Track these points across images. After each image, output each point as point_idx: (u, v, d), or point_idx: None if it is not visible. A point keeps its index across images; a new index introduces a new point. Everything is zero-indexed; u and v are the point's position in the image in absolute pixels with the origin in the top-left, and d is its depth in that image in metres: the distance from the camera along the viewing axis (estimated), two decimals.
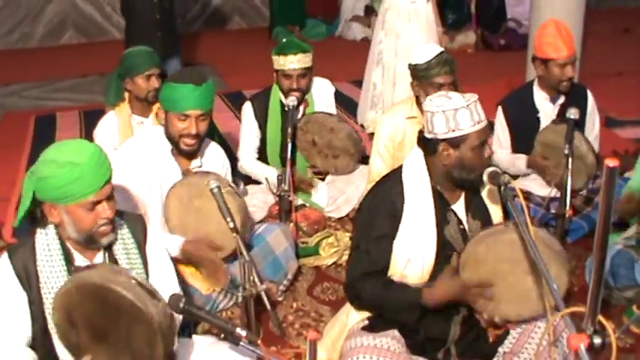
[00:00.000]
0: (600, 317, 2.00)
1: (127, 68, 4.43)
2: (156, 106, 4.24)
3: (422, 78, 4.27)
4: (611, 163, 1.78)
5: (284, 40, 4.83)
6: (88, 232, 2.64)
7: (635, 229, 4.04)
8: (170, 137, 3.68)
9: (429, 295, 2.95)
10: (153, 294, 2.36)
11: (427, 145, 3.02)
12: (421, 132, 3.06)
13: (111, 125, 4.48)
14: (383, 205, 3.06)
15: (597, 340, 1.97)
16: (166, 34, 6.72)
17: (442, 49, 4.38)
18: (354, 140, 4.75)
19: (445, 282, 2.96)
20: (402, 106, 4.63)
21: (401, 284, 3.02)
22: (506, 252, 2.87)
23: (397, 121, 4.54)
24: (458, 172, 2.99)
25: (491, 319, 2.99)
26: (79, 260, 2.72)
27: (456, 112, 2.89)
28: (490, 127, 3.34)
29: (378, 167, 4.56)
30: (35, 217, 2.67)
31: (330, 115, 4.82)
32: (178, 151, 3.71)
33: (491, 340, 3.14)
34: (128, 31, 7.03)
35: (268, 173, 4.70)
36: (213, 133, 4.12)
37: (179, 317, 2.79)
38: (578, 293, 4.03)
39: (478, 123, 2.91)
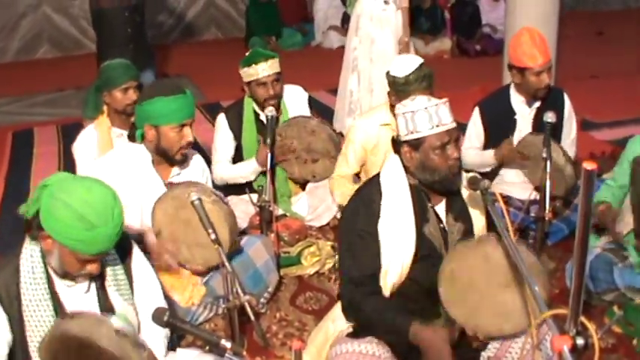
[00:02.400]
0: (582, 318, 2.01)
1: (105, 81, 4.43)
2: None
3: (399, 92, 4.26)
4: (589, 166, 1.79)
5: (247, 53, 4.82)
6: (70, 273, 2.62)
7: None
8: (164, 151, 3.69)
9: (417, 333, 2.92)
10: (136, 343, 2.33)
11: (395, 147, 3.09)
12: (394, 137, 3.11)
13: (90, 138, 4.47)
14: (362, 207, 3.09)
15: (580, 341, 1.98)
16: (138, 47, 6.67)
17: (421, 61, 4.36)
18: (334, 142, 4.78)
19: (437, 333, 2.93)
20: (377, 113, 4.69)
21: (394, 310, 3.00)
22: (481, 266, 2.86)
23: (371, 126, 4.61)
24: (421, 174, 3.02)
25: (474, 335, 2.99)
26: (61, 285, 2.69)
27: (414, 115, 2.93)
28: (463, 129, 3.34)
29: (342, 168, 4.68)
30: (31, 227, 2.59)
31: (311, 117, 4.83)
32: (171, 162, 3.74)
33: (474, 345, 3.14)
34: (100, 44, 6.97)
35: (246, 167, 4.73)
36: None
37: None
38: (559, 295, 4.06)
39: (437, 126, 2.92)
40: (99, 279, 2.73)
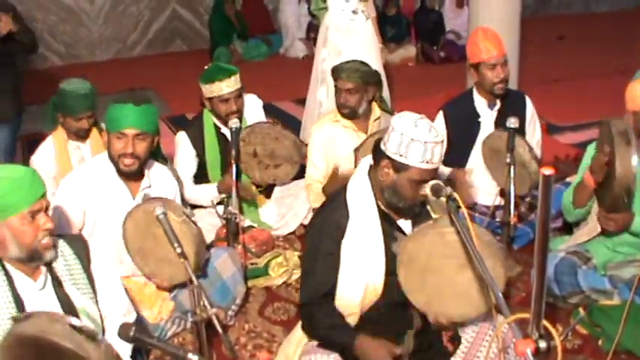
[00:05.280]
0: (545, 322, 2.02)
1: (60, 105, 4.39)
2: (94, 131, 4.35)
3: (334, 80, 4.71)
4: (546, 171, 1.81)
5: (206, 67, 4.81)
6: (30, 245, 2.63)
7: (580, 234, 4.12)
8: (111, 158, 3.67)
9: (361, 346, 2.98)
10: (93, 337, 2.32)
11: (376, 152, 3.04)
12: (380, 139, 3.06)
13: (48, 151, 4.46)
14: (327, 226, 3.08)
15: (543, 345, 1.99)
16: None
17: (359, 60, 4.68)
18: (298, 148, 4.80)
19: (380, 346, 2.99)
20: (328, 115, 4.95)
21: (338, 326, 3.06)
22: (436, 246, 2.88)
23: (324, 127, 4.79)
24: (389, 195, 3.00)
25: (437, 321, 2.99)
26: (21, 282, 2.69)
27: (411, 142, 2.87)
28: None
29: (312, 173, 4.79)
30: None
31: (274, 124, 4.85)
32: (119, 173, 3.70)
33: (450, 348, 3.15)
34: None
35: (206, 192, 4.73)
36: (157, 156, 4.09)
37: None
38: (526, 299, 4.09)
39: (426, 163, 2.88)
40: (56, 280, 2.75)
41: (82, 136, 4.44)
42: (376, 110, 4.77)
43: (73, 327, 2.31)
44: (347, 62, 4.68)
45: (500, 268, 2.88)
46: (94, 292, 2.86)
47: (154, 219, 3.30)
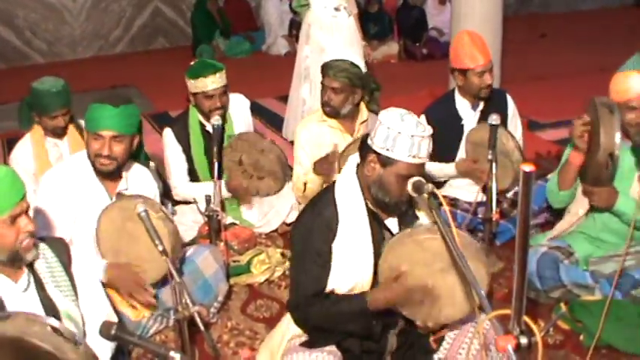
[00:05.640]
0: (526, 318, 2.03)
1: (34, 105, 4.38)
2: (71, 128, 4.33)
3: (322, 77, 4.59)
4: (527, 167, 1.81)
5: (192, 63, 4.80)
6: (12, 248, 2.60)
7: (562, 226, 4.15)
8: (89, 157, 3.65)
9: (374, 299, 2.96)
10: (71, 339, 2.31)
11: (363, 148, 3.03)
12: (367, 135, 3.05)
13: (26, 149, 4.45)
14: (317, 225, 3.04)
15: (524, 340, 2.00)
16: None
17: (345, 58, 4.58)
18: (282, 164, 4.74)
19: (387, 285, 2.96)
20: (315, 113, 4.84)
21: (345, 296, 3.02)
22: (416, 255, 2.88)
23: (310, 126, 4.72)
24: (375, 190, 2.98)
25: (425, 325, 3.00)
26: (2, 284, 2.66)
27: (398, 136, 2.85)
28: None
29: (297, 171, 4.75)
30: None
31: (263, 136, 4.84)
32: (97, 173, 3.67)
33: (434, 346, 3.15)
34: None
35: (206, 189, 4.70)
36: (140, 156, 4.07)
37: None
38: (508, 295, 4.11)
39: (413, 157, 2.86)
40: (38, 282, 2.73)
41: (59, 133, 4.44)
42: (364, 112, 4.69)
43: (52, 328, 2.30)
44: (336, 60, 4.58)
45: (482, 269, 2.87)
46: (76, 294, 2.84)
47: (129, 216, 3.29)
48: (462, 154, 4.69)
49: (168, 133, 4.86)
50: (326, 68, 4.57)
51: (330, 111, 4.58)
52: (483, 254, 2.96)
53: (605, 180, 3.70)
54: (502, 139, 4.22)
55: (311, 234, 3.04)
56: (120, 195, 3.70)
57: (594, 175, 3.69)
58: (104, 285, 3.40)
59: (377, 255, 3.04)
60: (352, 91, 4.53)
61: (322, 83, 4.61)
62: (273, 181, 4.76)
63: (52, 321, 2.34)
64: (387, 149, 2.88)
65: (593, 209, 3.95)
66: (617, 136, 3.47)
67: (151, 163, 4.27)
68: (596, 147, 3.58)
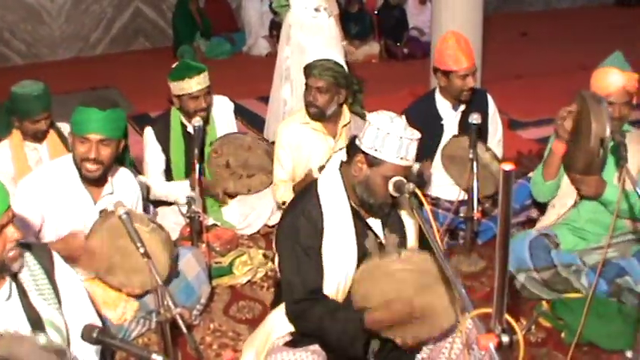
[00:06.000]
0: (507, 316, 2.04)
1: (15, 110, 4.33)
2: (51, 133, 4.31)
3: (305, 79, 4.56)
4: (507, 166, 1.82)
5: (174, 65, 4.79)
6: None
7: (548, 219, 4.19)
8: (75, 162, 3.63)
9: (371, 320, 2.95)
10: (61, 354, 2.29)
11: (351, 148, 3.04)
12: (355, 136, 3.06)
13: (4, 153, 4.41)
14: (304, 221, 3.04)
15: (505, 339, 2.00)
16: None
17: (329, 58, 4.55)
18: (271, 157, 4.78)
19: (387, 306, 2.95)
20: (297, 114, 4.78)
21: (345, 311, 3.01)
22: (391, 285, 2.91)
23: (292, 127, 4.66)
24: (360, 191, 3.00)
25: (405, 343, 3.01)
26: None
27: (387, 137, 2.87)
28: None
29: (278, 174, 4.70)
30: None
31: (246, 134, 4.83)
32: (82, 177, 3.65)
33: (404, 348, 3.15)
34: None
35: (180, 188, 4.71)
36: (123, 160, 4.05)
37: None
38: (490, 293, 4.12)
39: (401, 159, 2.89)
40: (21, 291, 2.69)
41: (39, 137, 4.41)
42: (346, 115, 4.65)
43: (41, 347, 2.27)
44: (320, 60, 4.54)
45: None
46: (59, 301, 2.81)
47: (118, 233, 3.29)
48: (438, 158, 4.72)
49: (149, 132, 4.85)
50: (310, 68, 4.53)
51: (315, 112, 4.52)
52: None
53: (596, 167, 3.78)
54: (479, 152, 4.24)
55: (298, 232, 3.05)
56: (105, 212, 3.66)
57: (586, 163, 3.74)
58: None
59: (360, 253, 3.06)
60: (337, 90, 4.50)
61: (306, 84, 4.55)
62: (265, 175, 4.79)
63: (42, 338, 2.31)
64: (376, 149, 2.90)
65: (580, 199, 4.03)
66: (607, 123, 3.55)
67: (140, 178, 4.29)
68: (586, 135, 3.64)
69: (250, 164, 4.74)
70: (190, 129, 4.67)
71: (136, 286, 3.62)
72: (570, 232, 4.10)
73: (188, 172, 4.66)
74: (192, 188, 4.58)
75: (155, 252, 3.31)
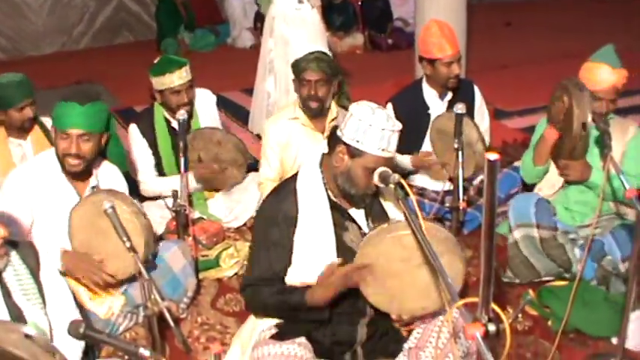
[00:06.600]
0: (493, 305, 2.04)
1: None
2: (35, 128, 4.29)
3: (295, 75, 4.51)
4: (491, 156, 1.82)
5: (155, 61, 4.77)
6: None
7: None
8: (57, 156, 3.63)
9: (312, 294, 2.97)
10: (48, 347, 2.29)
11: (332, 138, 3.04)
12: (337, 127, 3.06)
13: None
14: (276, 216, 3.07)
15: (492, 328, 2.01)
16: None
17: (319, 49, 4.54)
18: (241, 151, 4.78)
19: (325, 277, 2.97)
20: (286, 109, 4.76)
21: (290, 288, 3.05)
22: (394, 251, 2.88)
23: (281, 124, 4.64)
24: (342, 181, 3.01)
25: (400, 318, 3.03)
26: None
27: (369, 128, 2.88)
28: None
29: (265, 171, 4.69)
30: None
31: (215, 129, 4.82)
32: (66, 172, 3.64)
33: (405, 334, 3.15)
34: None
35: (173, 183, 4.68)
36: (105, 154, 4.03)
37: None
38: (477, 283, 4.12)
39: (382, 150, 2.90)
40: (4, 289, 2.68)
41: (26, 129, 4.35)
42: (333, 109, 4.63)
43: (29, 337, 2.27)
44: (311, 53, 4.50)
45: (458, 262, 2.90)
46: (44, 300, 2.80)
47: (100, 212, 3.27)
48: (428, 143, 4.70)
49: (133, 129, 4.82)
50: (304, 62, 4.48)
51: (317, 107, 4.51)
52: (460, 248, 2.98)
53: (579, 150, 3.88)
54: (466, 129, 4.25)
55: (270, 224, 3.08)
56: (93, 189, 3.67)
57: (570, 147, 3.86)
58: (63, 274, 3.40)
59: (340, 245, 3.06)
60: (331, 82, 4.51)
61: (302, 79, 4.49)
62: (236, 169, 4.78)
63: (28, 329, 2.31)
64: (357, 141, 2.91)
65: (567, 184, 4.11)
66: (589, 108, 3.67)
67: None
68: (570, 123, 3.74)
69: (221, 159, 4.73)
70: (175, 124, 4.65)
71: (111, 270, 3.55)
72: (562, 208, 4.17)
73: (179, 166, 4.64)
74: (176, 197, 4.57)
75: (132, 235, 3.26)
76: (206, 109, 4.99)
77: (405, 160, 4.69)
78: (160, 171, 4.86)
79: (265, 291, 3.06)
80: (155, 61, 4.76)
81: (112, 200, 3.27)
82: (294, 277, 3.07)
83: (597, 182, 3.88)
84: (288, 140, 4.59)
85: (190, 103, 4.72)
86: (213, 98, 5.12)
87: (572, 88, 3.73)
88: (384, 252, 2.89)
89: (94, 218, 3.43)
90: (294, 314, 3.05)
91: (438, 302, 2.95)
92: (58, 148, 3.59)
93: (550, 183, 4.19)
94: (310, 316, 3.04)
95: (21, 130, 4.35)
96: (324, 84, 4.47)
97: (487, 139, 4.90)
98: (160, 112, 4.78)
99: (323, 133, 4.58)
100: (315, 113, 4.55)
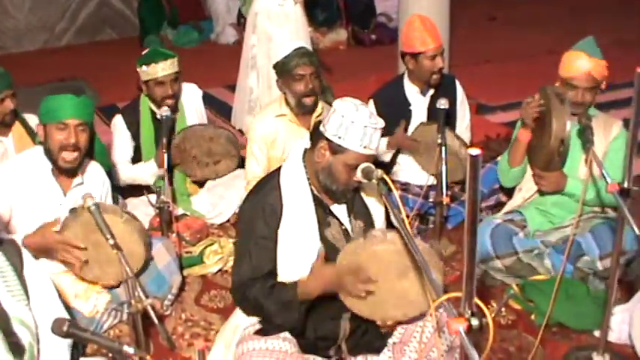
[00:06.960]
0: (477, 299, 2.05)
1: None
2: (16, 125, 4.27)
3: (284, 73, 4.44)
4: (474, 151, 1.83)
5: (144, 51, 4.77)
6: None
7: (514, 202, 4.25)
8: (50, 153, 3.62)
9: (304, 288, 2.98)
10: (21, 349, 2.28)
11: (315, 134, 3.05)
12: (320, 122, 3.06)
13: None
14: (261, 210, 3.06)
15: (475, 322, 2.02)
16: None
17: (301, 45, 4.53)
18: (233, 142, 4.83)
19: (317, 271, 2.98)
20: (272, 106, 4.71)
21: (281, 285, 3.04)
22: (371, 267, 2.90)
23: (267, 120, 4.61)
24: (323, 177, 3.02)
25: (385, 324, 3.08)
26: None
27: (351, 125, 2.88)
28: None
29: (253, 169, 4.63)
30: None
31: (205, 125, 4.82)
32: (59, 170, 3.64)
33: (383, 331, 3.19)
34: None
35: (145, 169, 4.74)
36: (92, 152, 4.03)
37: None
38: (460, 278, 4.14)
39: (364, 147, 2.90)
40: None
41: (6, 123, 4.30)
42: (319, 106, 4.59)
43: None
44: (298, 49, 4.46)
45: (437, 274, 2.89)
46: (29, 297, 2.79)
47: (92, 228, 3.29)
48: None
49: (118, 119, 4.84)
50: (294, 59, 4.40)
51: (312, 102, 4.47)
52: (441, 264, 3.01)
53: (555, 166, 3.88)
54: (448, 139, 4.26)
55: (255, 218, 3.08)
56: (76, 209, 3.63)
57: (546, 160, 3.85)
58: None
59: (322, 241, 3.07)
60: (320, 76, 4.53)
61: (296, 74, 4.40)
62: (229, 160, 4.85)
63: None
64: (339, 137, 2.91)
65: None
66: (568, 124, 3.66)
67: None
68: (547, 133, 3.72)
69: (214, 152, 4.75)
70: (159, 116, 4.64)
71: (111, 278, 3.65)
72: (538, 212, 4.15)
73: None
74: (159, 166, 4.57)
75: (130, 242, 3.37)
76: (192, 103, 4.99)
77: (382, 144, 4.66)
78: (139, 162, 4.85)
79: (257, 290, 3.04)
80: (144, 52, 4.78)
81: (94, 199, 3.28)
82: (278, 273, 3.07)
83: (573, 191, 3.90)
84: (274, 138, 4.56)
85: (175, 97, 4.71)
86: (200, 92, 5.12)
87: (553, 98, 3.72)
88: (361, 264, 2.91)
89: (86, 236, 3.48)
90: (288, 314, 3.02)
91: (420, 307, 2.98)
92: (54, 141, 3.59)
93: (528, 185, 4.19)
94: (288, 317, 3.03)
95: (2, 125, 4.31)
96: (317, 77, 4.45)
97: (468, 135, 4.93)
98: (145, 104, 4.78)
99: (309, 129, 4.54)
100: (310, 109, 4.50)
